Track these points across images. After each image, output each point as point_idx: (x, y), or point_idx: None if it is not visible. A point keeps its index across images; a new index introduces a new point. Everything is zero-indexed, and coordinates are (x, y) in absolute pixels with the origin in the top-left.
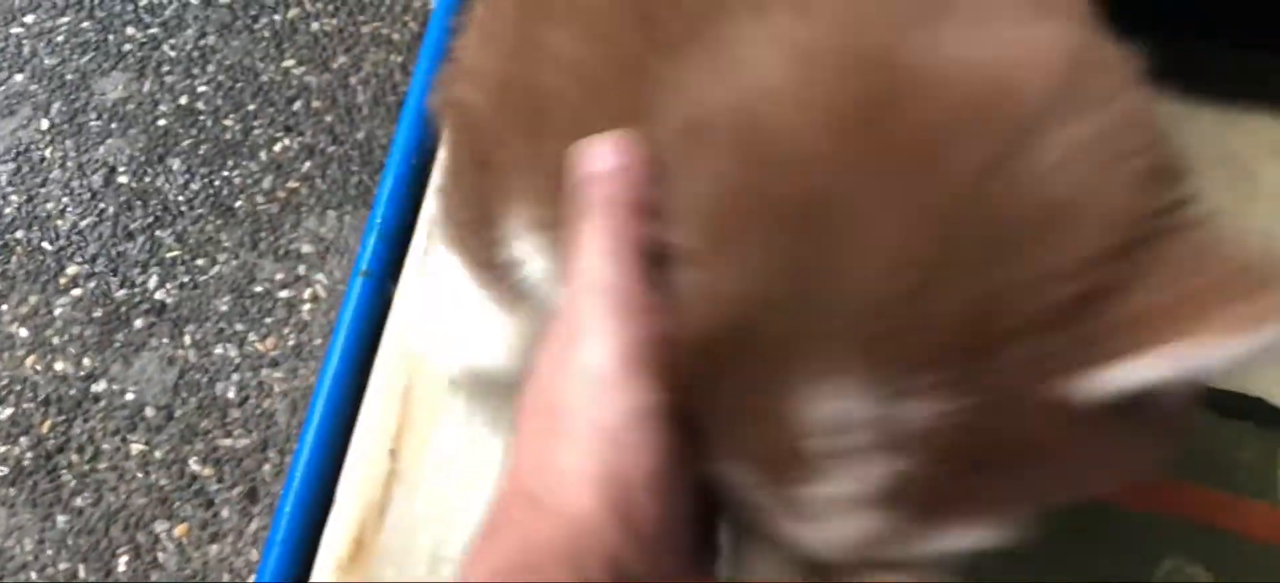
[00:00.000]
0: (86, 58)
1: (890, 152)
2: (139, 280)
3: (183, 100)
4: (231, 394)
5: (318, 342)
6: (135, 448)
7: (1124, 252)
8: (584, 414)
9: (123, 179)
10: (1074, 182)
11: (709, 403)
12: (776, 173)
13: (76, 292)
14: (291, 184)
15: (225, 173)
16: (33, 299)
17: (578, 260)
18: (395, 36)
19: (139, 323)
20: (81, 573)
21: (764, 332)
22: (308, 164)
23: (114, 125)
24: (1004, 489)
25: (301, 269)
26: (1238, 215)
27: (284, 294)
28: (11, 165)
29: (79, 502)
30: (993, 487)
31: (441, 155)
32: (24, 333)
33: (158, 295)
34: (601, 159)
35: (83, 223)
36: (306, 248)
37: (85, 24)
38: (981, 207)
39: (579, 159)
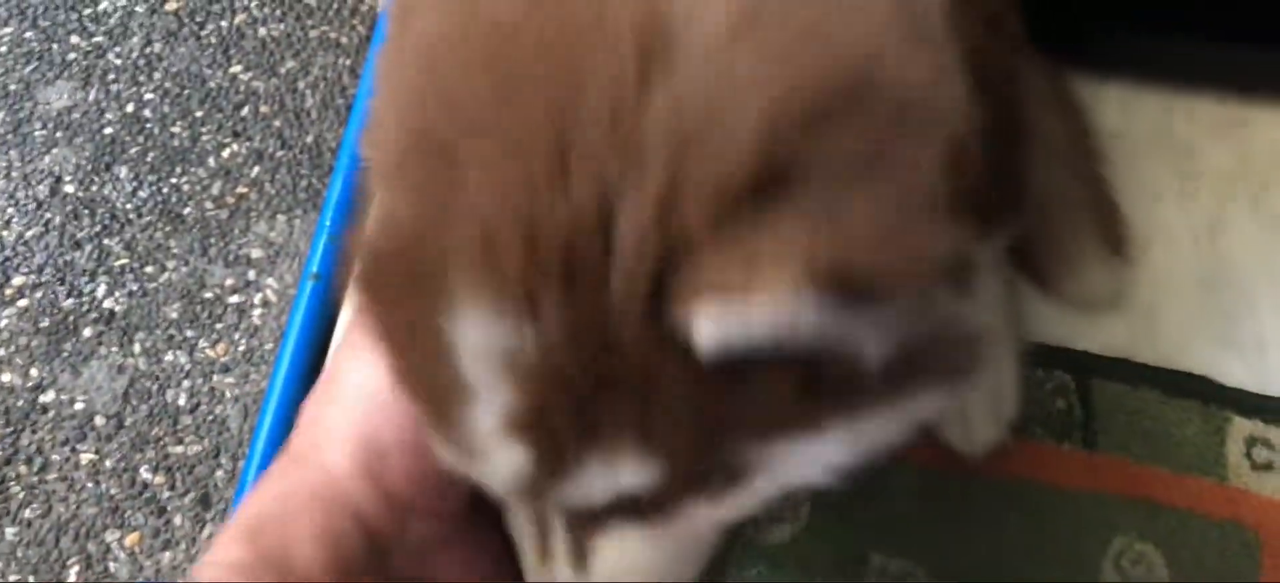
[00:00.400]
0: (30, 67)
1: (518, 82)
2: (87, 289)
3: (129, 108)
4: (182, 401)
5: (268, 347)
6: (85, 458)
7: (737, 204)
8: (351, 379)
9: (69, 189)
10: (700, 113)
11: (399, 340)
12: (436, 105)
13: (23, 302)
14: (241, 189)
15: (173, 180)
16: None
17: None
18: (343, 40)
19: (87, 332)
20: None
21: (420, 259)
22: (257, 169)
23: (60, 134)
24: (648, 423)
25: (252, 274)
26: (1182, 195)
27: (234, 299)
28: None
29: (28, 513)
30: (625, 417)
31: None
32: None
33: (106, 304)
34: None
35: (29, 233)
36: (256, 253)
37: (29, 33)
38: (596, 130)
39: None
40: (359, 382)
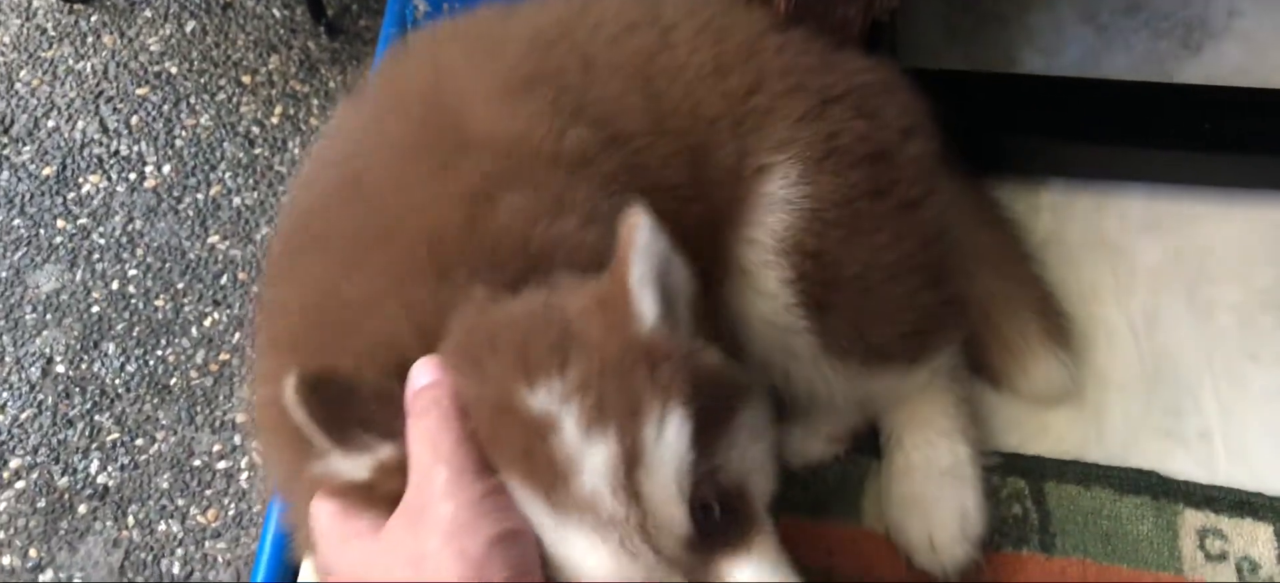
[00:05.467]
0: (19, 254)
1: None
2: (81, 466)
3: (114, 285)
4: (176, 570)
5: (257, 508)
6: None
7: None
8: (450, 549)
9: (60, 369)
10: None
11: None
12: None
13: (20, 484)
14: (223, 356)
15: (159, 352)
16: None
17: (419, 451)
18: None
19: (82, 508)
20: None
21: None
22: (237, 335)
23: (49, 316)
24: None
25: (237, 438)
26: (1119, 292)
27: (222, 465)
28: None
29: None
30: None
31: None
32: None
33: (99, 479)
34: (424, 374)
35: (22, 415)
36: (241, 417)
37: (16, 221)
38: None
39: (411, 376)
40: (456, 549)
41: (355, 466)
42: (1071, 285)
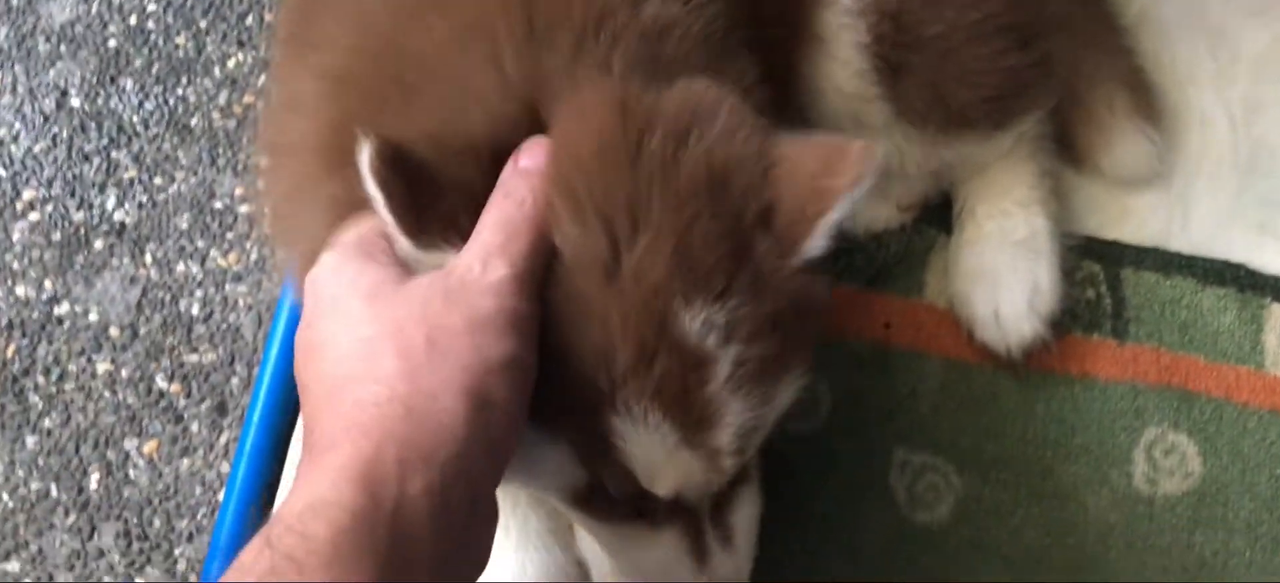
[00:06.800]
0: None
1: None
2: (97, 202)
3: (132, 20)
4: (196, 310)
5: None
6: (101, 368)
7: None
8: (465, 338)
9: (75, 102)
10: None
11: None
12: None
13: (34, 216)
14: (247, 98)
15: (179, 91)
16: None
17: (490, 234)
18: None
19: (98, 244)
20: (54, 492)
21: None
22: (263, 78)
23: (63, 48)
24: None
25: (261, 183)
26: (1218, 79)
27: (244, 209)
28: None
29: (47, 422)
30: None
31: None
32: None
33: (117, 216)
34: (532, 156)
35: (36, 147)
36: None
37: None
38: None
39: (522, 149)
40: (472, 320)
41: (423, 261)
42: (1166, 67)
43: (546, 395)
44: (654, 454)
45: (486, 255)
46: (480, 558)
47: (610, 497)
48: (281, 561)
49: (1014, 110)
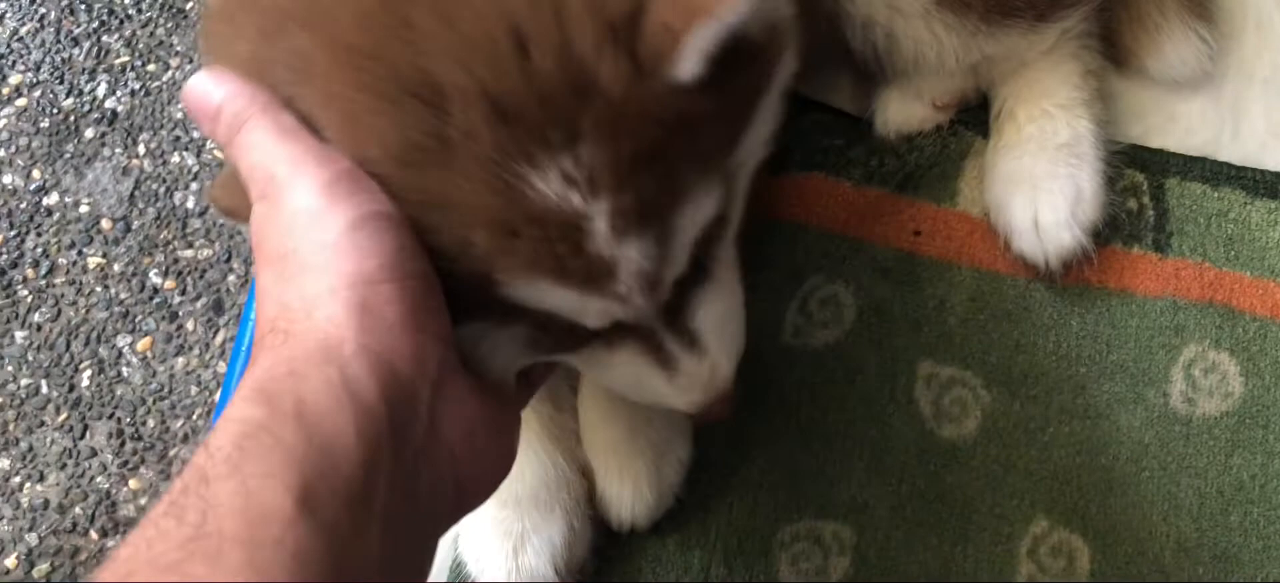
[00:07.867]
0: None
1: None
2: (87, 88)
3: None
4: (191, 204)
5: None
6: (92, 261)
7: None
8: (309, 241)
9: None
10: None
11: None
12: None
13: (21, 101)
14: None
15: None
16: None
17: (248, 155)
18: None
19: (89, 132)
20: (44, 388)
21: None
22: None
23: None
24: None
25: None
26: None
27: None
28: None
29: (37, 317)
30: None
31: None
32: None
33: (108, 103)
34: (220, 86)
35: (23, 29)
36: None
37: None
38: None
39: (204, 93)
40: (317, 240)
41: None
42: None
43: (457, 290)
44: (564, 306)
45: (264, 178)
46: (451, 436)
47: (555, 336)
48: (192, 478)
49: (1060, 1)
